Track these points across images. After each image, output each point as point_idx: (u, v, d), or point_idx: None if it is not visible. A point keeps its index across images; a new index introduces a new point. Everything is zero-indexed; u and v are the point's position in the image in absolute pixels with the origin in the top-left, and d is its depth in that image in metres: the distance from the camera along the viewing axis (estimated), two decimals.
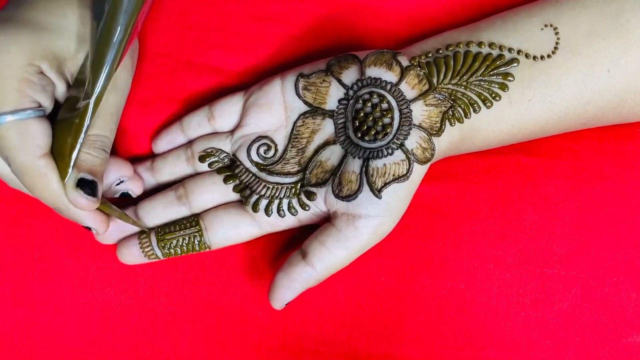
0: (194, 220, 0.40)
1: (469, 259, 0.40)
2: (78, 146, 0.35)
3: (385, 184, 0.36)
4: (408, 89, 0.37)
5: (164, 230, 0.40)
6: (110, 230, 0.40)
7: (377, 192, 0.36)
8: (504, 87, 0.37)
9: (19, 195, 0.41)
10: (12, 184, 0.39)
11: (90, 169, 0.36)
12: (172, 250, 0.40)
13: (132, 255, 0.40)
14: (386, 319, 0.40)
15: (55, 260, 0.42)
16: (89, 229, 0.38)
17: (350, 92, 0.38)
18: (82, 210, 0.36)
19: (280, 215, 0.39)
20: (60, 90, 0.37)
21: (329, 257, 0.37)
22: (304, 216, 0.39)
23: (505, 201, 0.40)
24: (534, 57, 0.37)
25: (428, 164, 0.37)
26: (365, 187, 0.37)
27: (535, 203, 0.40)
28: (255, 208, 0.39)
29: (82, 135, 0.35)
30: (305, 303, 0.41)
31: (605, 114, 0.38)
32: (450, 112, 0.37)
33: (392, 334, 0.40)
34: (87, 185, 0.35)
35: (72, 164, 0.35)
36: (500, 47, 0.37)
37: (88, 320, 0.42)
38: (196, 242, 0.39)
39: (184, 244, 0.39)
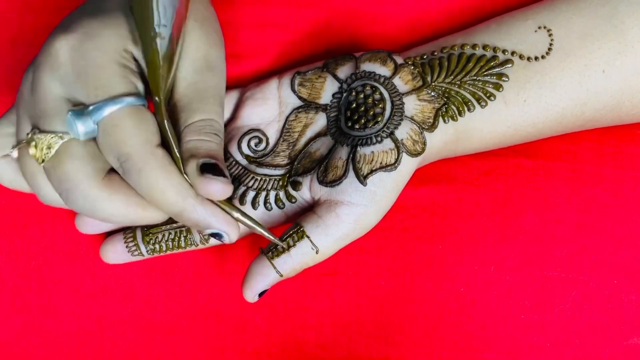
0: None
1: (468, 262, 0.40)
2: (170, 136, 0.32)
3: (372, 171, 0.36)
4: (401, 83, 0.38)
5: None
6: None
7: (362, 179, 0.36)
8: (498, 87, 0.37)
9: (16, 204, 0.42)
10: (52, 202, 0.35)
11: (208, 154, 0.32)
12: (157, 246, 0.39)
13: (115, 252, 0.39)
14: (386, 323, 0.40)
15: (53, 269, 0.42)
16: (217, 236, 0.34)
17: (344, 86, 0.39)
18: (215, 197, 0.32)
19: (267, 208, 0.39)
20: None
21: (306, 244, 0.36)
22: (290, 210, 0.39)
23: (504, 203, 0.40)
24: (528, 58, 0.37)
25: (418, 158, 0.37)
26: (351, 174, 0.36)
27: (535, 205, 0.40)
28: (242, 200, 0.39)
29: (167, 125, 0.32)
30: (305, 308, 0.41)
31: (603, 116, 0.39)
32: (444, 109, 0.37)
33: (392, 337, 0.40)
34: (212, 170, 0.32)
35: (178, 155, 0.32)
36: (494, 49, 0.38)
37: (85, 329, 0.42)
38: (182, 239, 0.39)
39: (169, 239, 0.39)
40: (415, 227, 0.40)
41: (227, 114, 0.41)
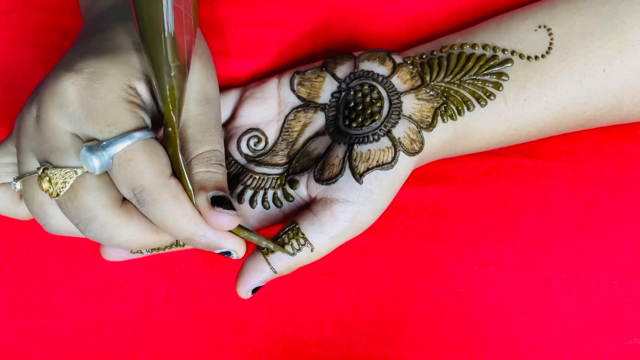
0: None
1: (468, 262, 0.40)
2: (183, 167, 0.33)
3: (368, 169, 0.36)
4: (400, 83, 0.38)
5: None
6: None
7: (358, 177, 0.36)
8: (498, 86, 0.37)
9: None
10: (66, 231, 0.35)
11: (216, 186, 0.34)
12: None
13: (115, 250, 0.39)
14: (386, 323, 0.40)
15: (53, 268, 0.42)
16: (226, 254, 0.35)
17: (343, 85, 0.39)
18: (223, 229, 0.33)
19: (264, 207, 0.39)
20: (154, 110, 0.36)
21: (301, 241, 0.36)
22: (288, 208, 0.39)
23: (505, 203, 0.40)
24: (528, 57, 0.37)
25: (416, 157, 0.37)
26: (347, 172, 0.36)
27: (535, 205, 0.40)
28: (240, 199, 0.39)
29: (180, 157, 0.33)
30: (305, 307, 0.41)
31: (604, 116, 0.38)
32: (443, 109, 0.37)
33: (392, 337, 0.40)
34: (221, 202, 0.33)
35: (189, 186, 0.33)
36: (494, 48, 0.38)
37: (85, 328, 0.42)
38: None
39: None
40: (415, 227, 0.40)
41: (226, 114, 0.41)
